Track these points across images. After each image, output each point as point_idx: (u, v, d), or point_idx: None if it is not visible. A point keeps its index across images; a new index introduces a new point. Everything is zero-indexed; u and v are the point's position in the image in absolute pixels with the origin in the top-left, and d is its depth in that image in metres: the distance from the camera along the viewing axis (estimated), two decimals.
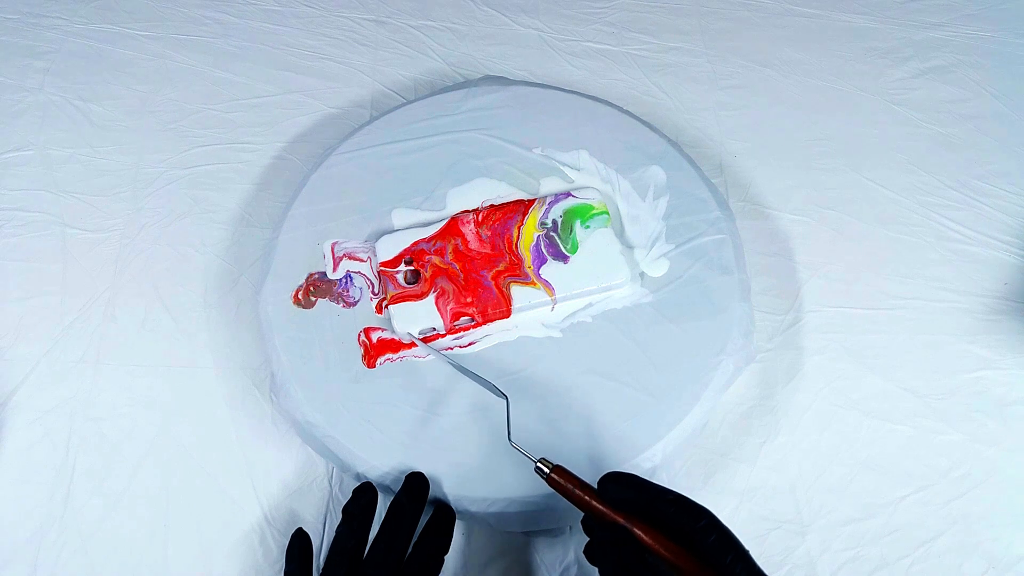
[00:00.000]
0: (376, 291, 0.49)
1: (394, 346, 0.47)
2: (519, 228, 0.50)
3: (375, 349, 0.47)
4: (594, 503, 0.37)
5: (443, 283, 0.48)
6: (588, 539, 0.38)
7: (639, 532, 0.35)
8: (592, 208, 0.51)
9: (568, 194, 0.52)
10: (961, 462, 0.48)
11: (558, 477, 0.38)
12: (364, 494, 0.41)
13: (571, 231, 0.50)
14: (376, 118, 0.56)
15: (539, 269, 0.49)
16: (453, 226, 0.50)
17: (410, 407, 0.45)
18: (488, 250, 0.50)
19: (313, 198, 0.52)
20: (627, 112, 0.57)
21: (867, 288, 0.54)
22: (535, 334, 0.48)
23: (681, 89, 0.64)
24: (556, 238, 0.50)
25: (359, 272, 0.50)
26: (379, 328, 0.47)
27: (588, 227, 0.50)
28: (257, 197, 0.57)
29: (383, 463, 0.43)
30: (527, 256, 0.49)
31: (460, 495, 0.42)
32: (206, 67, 0.64)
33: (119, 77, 0.63)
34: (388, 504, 0.41)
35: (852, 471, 0.48)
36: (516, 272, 0.49)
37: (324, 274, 0.49)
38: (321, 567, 0.41)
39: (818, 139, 0.61)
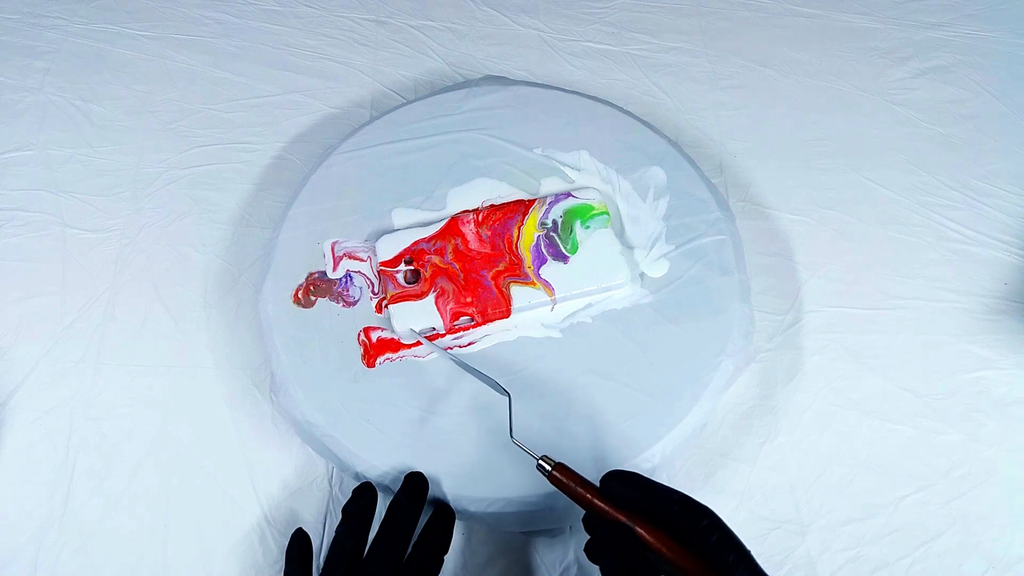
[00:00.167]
0: (376, 291, 0.49)
1: (394, 346, 0.47)
2: (519, 228, 0.50)
3: (375, 349, 0.47)
4: (596, 501, 0.37)
5: (443, 283, 0.48)
6: (588, 538, 0.38)
7: (641, 531, 0.35)
8: (592, 208, 0.51)
9: (568, 194, 0.52)
10: (961, 462, 0.48)
11: (560, 475, 0.38)
12: (364, 494, 0.41)
13: (571, 231, 0.50)
14: (376, 118, 0.56)
15: (539, 269, 0.49)
16: (453, 226, 0.50)
17: (410, 407, 0.45)
18: (488, 250, 0.50)
19: (313, 198, 0.52)
20: (627, 112, 0.57)
21: (867, 288, 0.54)
22: (535, 334, 0.48)
23: (681, 89, 0.64)
24: (556, 238, 0.50)
25: (359, 272, 0.50)
26: (379, 328, 0.48)
27: (588, 227, 0.50)
28: (257, 197, 0.57)
29: (383, 463, 0.43)
30: (527, 256, 0.49)
31: (460, 495, 0.42)
32: (206, 67, 0.64)
33: (119, 77, 0.63)
34: (388, 504, 0.41)
35: (852, 471, 0.48)
36: (516, 272, 0.49)
37: (324, 273, 0.49)
38: (321, 567, 0.41)
39: (818, 139, 0.61)
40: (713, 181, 0.54)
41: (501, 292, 0.48)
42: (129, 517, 0.46)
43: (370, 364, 0.46)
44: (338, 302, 0.48)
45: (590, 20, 0.68)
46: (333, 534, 0.40)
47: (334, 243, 0.50)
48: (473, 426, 0.44)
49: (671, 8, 0.69)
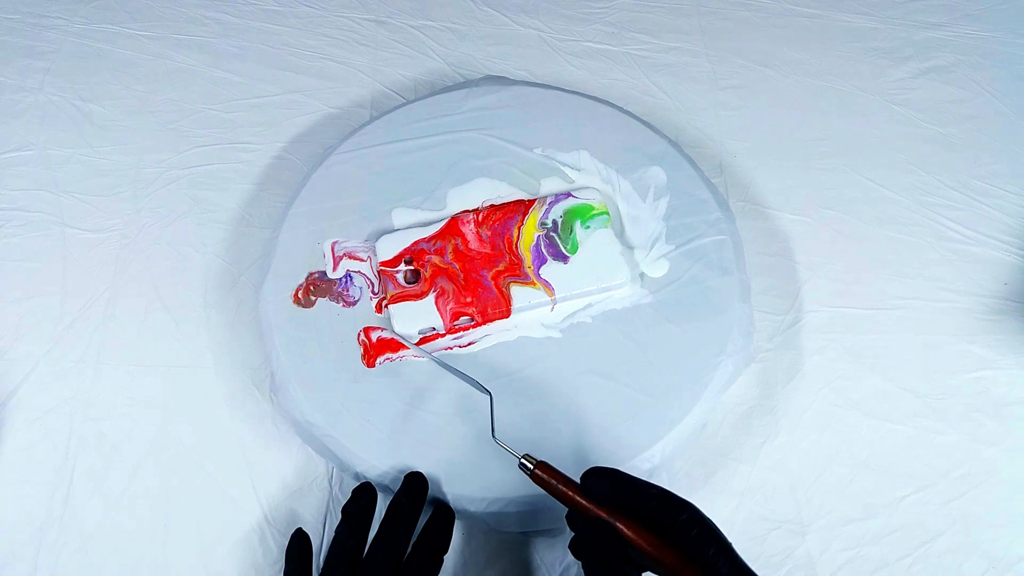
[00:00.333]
0: (376, 291, 0.49)
1: (394, 346, 0.47)
2: (519, 228, 0.50)
3: (375, 349, 0.47)
4: (577, 498, 0.37)
5: (443, 283, 0.48)
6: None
7: (621, 527, 0.35)
8: (592, 208, 0.51)
9: (568, 194, 0.52)
10: (961, 462, 0.48)
11: (542, 473, 0.38)
12: (364, 494, 0.41)
13: (571, 231, 0.50)
14: (376, 118, 0.56)
15: (539, 269, 0.49)
16: (453, 226, 0.50)
17: (410, 407, 0.45)
18: (488, 250, 0.50)
19: (313, 198, 0.52)
20: (627, 112, 0.57)
21: (867, 288, 0.54)
22: (535, 334, 0.48)
23: (681, 89, 0.64)
24: (556, 238, 0.50)
25: (359, 272, 0.50)
26: (379, 328, 0.48)
27: (588, 227, 0.50)
28: (257, 197, 0.57)
29: (382, 463, 0.43)
30: (527, 256, 0.49)
31: (459, 495, 0.42)
32: (206, 67, 0.64)
33: (119, 77, 0.63)
34: (387, 504, 0.41)
35: (852, 471, 0.48)
36: (516, 272, 0.49)
37: (324, 273, 0.49)
38: (321, 567, 0.41)
39: (818, 139, 0.61)
40: (713, 181, 0.54)
41: (501, 292, 0.48)
42: (129, 517, 0.46)
43: (370, 364, 0.46)
44: (338, 302, 0.48)
45: (590, 20, 0.68)
46: (333, 534, 0.40)
47: (334, 243, 0.50)
48: (473, 426, 0.44)
49: (671, 8, 0.69)
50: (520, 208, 0.51)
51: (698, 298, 0.48)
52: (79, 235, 0.55)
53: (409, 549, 0.39)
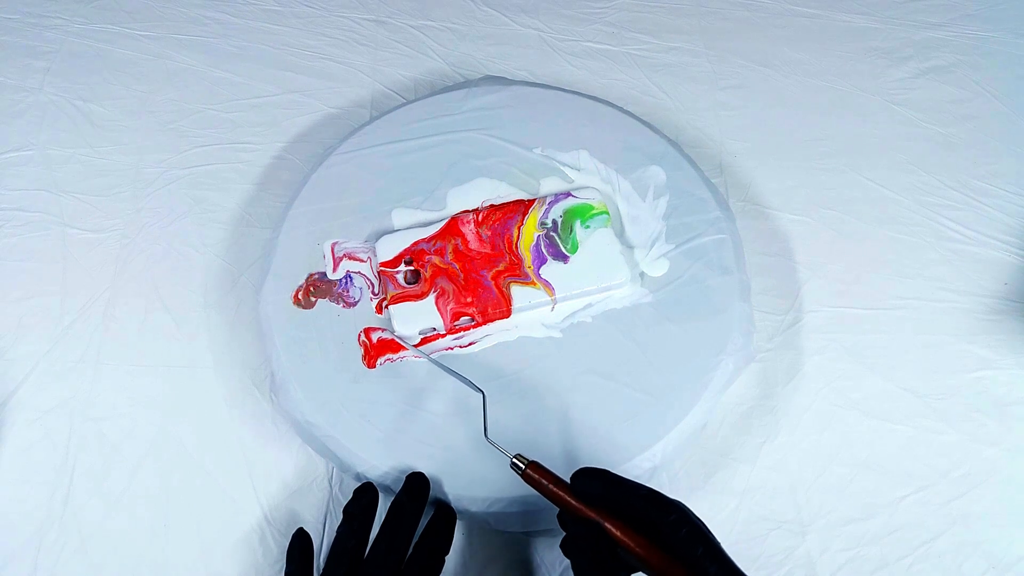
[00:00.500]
0: (376, 291, 0.49)
1: (394, 346, 0.47)
2: (519, 228, 0.50)
3: (375, 349, 0.47)
4: (567, 498, 0.37)
5: (443, 283, 0.48)
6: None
7: (610, 527, 0.35)
8: (592, 208, 0.51)
9: (568, 194, 0.52)
10: (961, 462, 0.48)
11: (533, 472, 0.38)
12: (365, 494, 0.41)
13: (571, 231, 0.50)
14: (376, 118, 0.56)
15: (539, 269, 0.49)
16: (453, 226, 0.50)
17: (410, 407, 0.45)
18: (488, 250, 0.50)
19: (313, 198, 0.52)
20: (627, 112, 0.57)
21: (867, 288, 0.54)
22: (535, 334, 0.48)
23: (681, 89, 0.64)
24: (556, 238, 0.50)
25: (359, 272, 0.50)
26: (379, 328, 0.47)
27: (588, 227, 0.50)
28: (257, 197, 0.57)
29: (383, 463, 0.43)
30: (527, 256, 0.49)
31: (461, 495, 0.42)
32: (206, 67, 0.64)
33: (119, 77, 0.63)
34: (389, 504, 0.41)
35: (852, 471, 0.48)
36: (516, 272, 0.49)
37: (324, 274, 0.49)
38: (321, 567, 0.41)
39: (818, 139, 0.61)
40: (713, 181, 0.54)
41: (501, 292, 0.48)
42: (129, 517, 0.46)
43: (370, 365, 0.46)
44: (338, 303, 0.48)
45: (590, 20, 0.68)
46: (334, 534, 0.40)
47: (334, 244, 0.50)
48: (474, 426, 0.44)
49: (671, 8, 0.69)
50: (520, 208, 0.51)
51: (698, 298, 0.48)
52: (79, 235, 0.55)
53: (410, 550, 0.39)
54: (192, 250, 0.55)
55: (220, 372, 0.50)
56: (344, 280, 0.49)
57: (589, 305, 0.49)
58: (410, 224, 0.51)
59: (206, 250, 0.55)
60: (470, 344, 0.47)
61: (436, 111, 0.56)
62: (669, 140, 0.55)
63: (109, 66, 0.63)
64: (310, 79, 0.63)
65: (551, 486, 0.37)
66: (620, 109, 0.57)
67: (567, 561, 0.44)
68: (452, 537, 0.42)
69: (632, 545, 0.35)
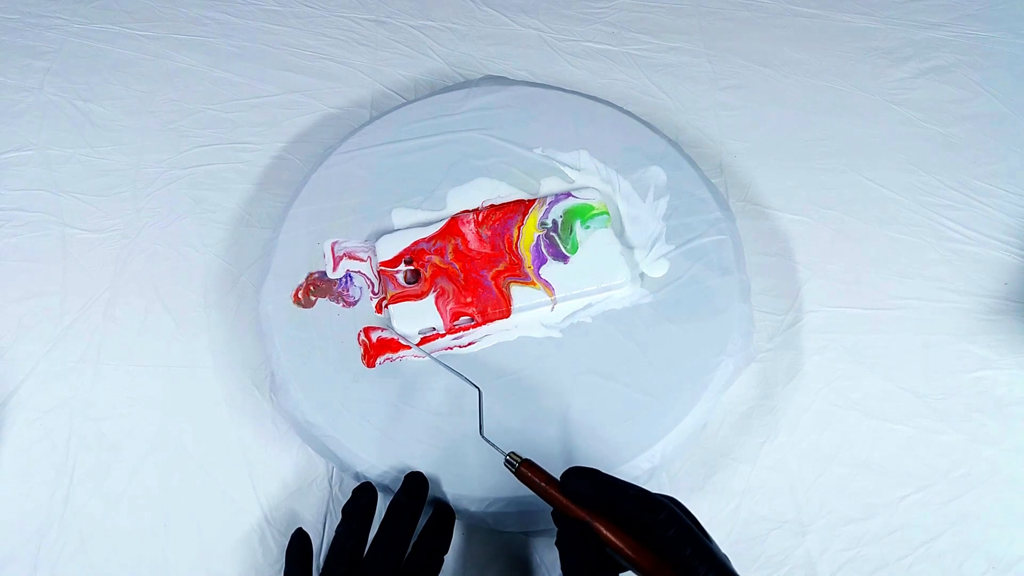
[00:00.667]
0: (376, 291, 0.49)
1: (394, 346, 0.47)
2: (519, 228, 0.50)
3: (375, 349, 0.47)
4: (559, 497, 0.37)
5: (443, 283, 0.48)
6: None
7: (599, 527, 0.35)
8: (592, 208, 0.51)
9: (568, 194, 0.52)
10: (961, 462, 0.48)
11: (526, 471, 0.38)
12: (364, 494, 0.41)
13: (571, 231, 0.50)
14: (376, 118, 0.56)
15: (539, 269, 0.49)
16: (453, 226, 0.50)
17: (410, 407, 0.45)
18: (488, 250, 0.50)
19: (313, 198, 0.52)
20: (627, 112, 0.57)
21: (867, 288, 0.54)
22: (535, 334, 0.48)
23: (681, 89, 0.64)
24: (556, 238, 0.50)
25: (359, 272, 0.50)
26: (379, 328, 0.48)
27: (588, 227, 0.50)
28: (257, 197, 0.57)
29: (382, 463, 0.43)
30: (527, 256, 0.49)
31: (460, 495, 0.42)
32: (206, 67, 0.64)
33: (119, 77, 0.63)
34: (388, 504, 0.41)
35: (852, 471, 0.48)
36: (516, 272, 0.49)
37: (324, 274, 0.49)
38: (321, 567, 0.41)
39: (818, 139, 0.61)
40: (713, 181, 0.54)
41: (501, 292, 0.48)
42: (129, 517, 0.46)
43: (370, 364, 0.46)
44: (338, 302, 0.48)
45: (590, 20, 0.68)
46: (333, 534, 0.40)
47: (334, 243, 0.50)
48: (473, 426, 0.44)
49: (671, 8, 0.69)
50: (520, 208, 0.51)
51: (698, 298, 0.48)
52: (79, 235, 0.55)
53: (409, 549, 0.39)
54: (192, 250, 0.55)
55: (220, 372, 0.50)
56: (344, 279, 0.49)
57: (589, 305, 0.49)
58: (410, 224, 0.51)
59: (206, 250, 0.55)
60: (470, 344, 0.47)
61: (436, 111, 0.56)
62: (669, 140, 0.55)
63: (109, 66, 0.63)
64: (310, 79, 0.63)
65: (544, 485, 0.37)
66: (620, 109, 0.57)
67: None
68: (451, 537, 0.42)
69: (621, 545, 0.35)
